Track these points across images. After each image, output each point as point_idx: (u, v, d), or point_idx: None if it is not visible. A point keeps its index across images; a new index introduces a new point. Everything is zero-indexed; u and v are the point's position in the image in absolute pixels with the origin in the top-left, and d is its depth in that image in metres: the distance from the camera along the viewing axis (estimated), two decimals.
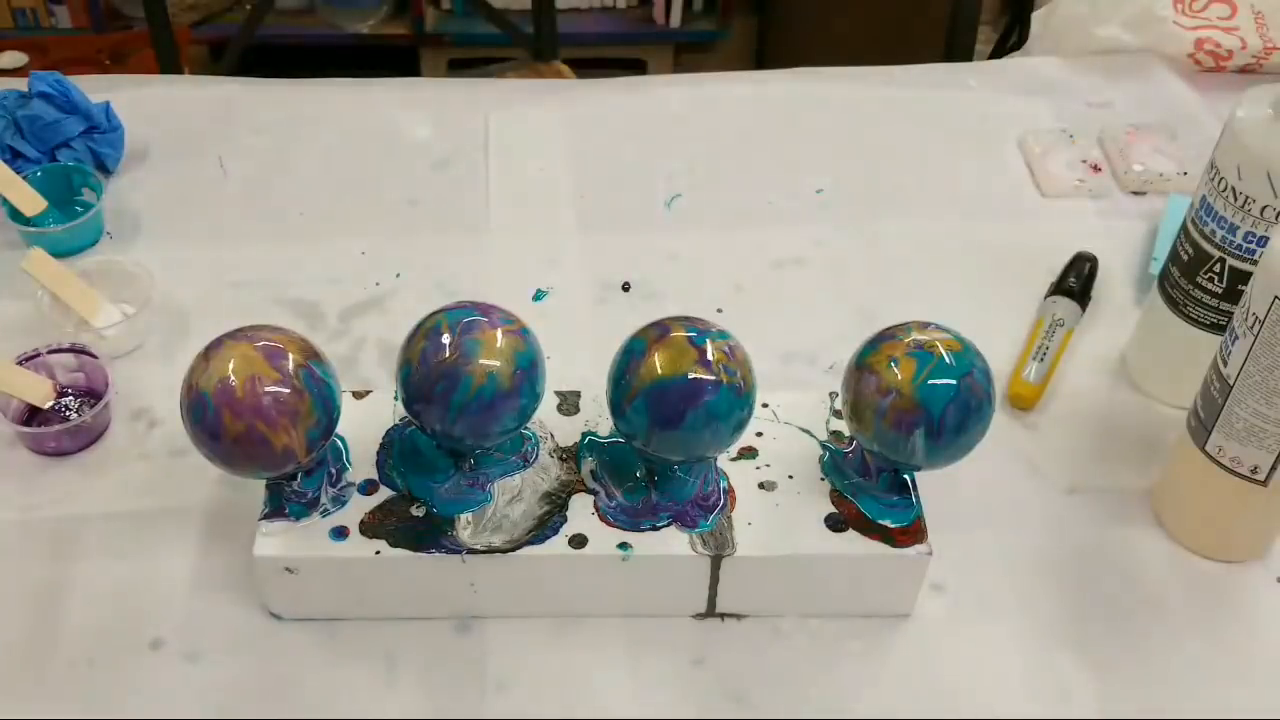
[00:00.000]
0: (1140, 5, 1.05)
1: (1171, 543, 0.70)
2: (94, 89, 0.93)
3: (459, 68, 2.19)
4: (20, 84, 0.92)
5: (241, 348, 0.58)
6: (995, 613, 0.67)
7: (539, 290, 0.84)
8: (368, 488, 0.64)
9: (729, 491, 0.65)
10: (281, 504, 0.63)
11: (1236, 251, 0.68)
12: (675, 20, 2.21)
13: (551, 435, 0.67)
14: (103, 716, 0.62)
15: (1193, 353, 0.71)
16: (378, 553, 0.62)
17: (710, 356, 0.59)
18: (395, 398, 0.68)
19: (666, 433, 0.59)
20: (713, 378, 0.58)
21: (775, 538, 0.63)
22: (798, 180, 0.94)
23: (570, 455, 0.66)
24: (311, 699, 0.62)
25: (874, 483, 0.64)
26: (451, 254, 0.87)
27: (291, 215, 0.90)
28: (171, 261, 0.84)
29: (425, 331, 0.60)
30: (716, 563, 0.63)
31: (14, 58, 1.89)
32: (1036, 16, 1.16)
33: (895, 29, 1.96)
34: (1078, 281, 0.83)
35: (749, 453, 0.67)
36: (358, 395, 0.69)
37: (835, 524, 0.64)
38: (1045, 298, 0.83)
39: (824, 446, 0.67)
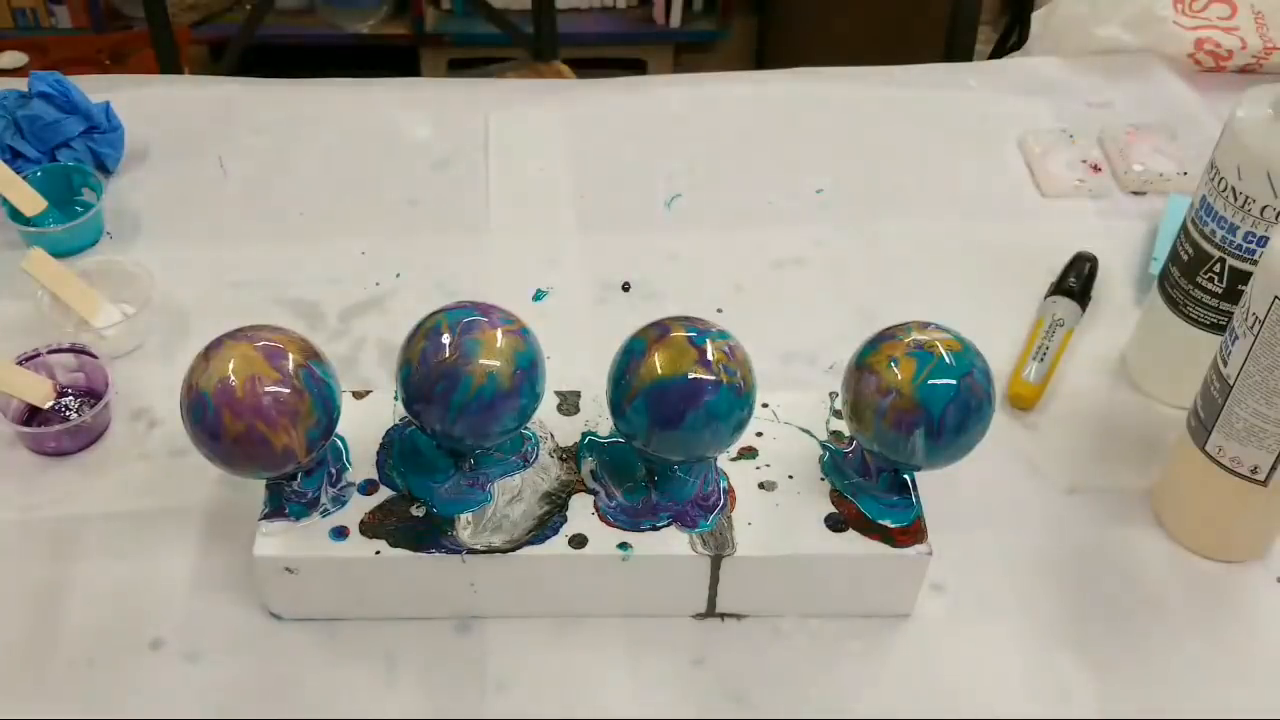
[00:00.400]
0: (1140, 5, 1.05)
1: (1171, 543, 0.70)
2: (94, 89, 0.93)
3: (459, 68, 2.19)
4: (20, 84, 0.92)
5: (241, 348, 0.58)
6: (995, 613, 0.67)
7: (539, 290, 0.84)
8: (368, 488, 0.64)
9: (729, 491, 0.65)
10: (281, 504, 0.63)
11: (1236, 251, 0.68)
12: (675, 20, 2.21)
13: (551, 435, 0.67)
14: (103, 716, 0.62)
15: (1193, 353, 0.71)
16: (378, 553, 0.62)
17: (710, 356, 0.59)
18: (395, 398, 0.68)
19: (666, 433, 0.59)
20: (713, 378, 0.58)
21: (775, 538, 0.63)
22: (798, 180, 0.94)
23: (570, 455, 0.66)
24: (311, 699, 0.62)
25: (874, 483, 0.64)
26: (451, 254, 0.87)
27: (291, 215, 0.90)
28: (171, 261, 0.84)
29: (425, 331, 0.60)
30: (716, 563, 0.63)
31: (14, 58, 1.89)
32: (1036, 16, 1.16)
33: (895, 29, 1.96)
34: (1078, 281, 0.83)
35: (749, 453, 0.67)
36: (358, 395, 0.69)
37: (835, 524, 0.64)
38: (1045, 298, 0.83)
39: (824, 446, 0.67)
